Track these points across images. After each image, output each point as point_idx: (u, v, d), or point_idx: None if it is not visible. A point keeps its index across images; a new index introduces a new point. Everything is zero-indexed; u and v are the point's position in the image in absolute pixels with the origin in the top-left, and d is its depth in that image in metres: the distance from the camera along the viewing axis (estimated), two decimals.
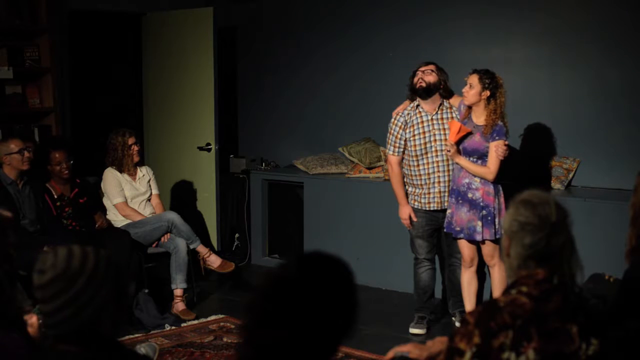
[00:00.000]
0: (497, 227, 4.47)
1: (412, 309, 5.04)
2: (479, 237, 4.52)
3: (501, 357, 2.06)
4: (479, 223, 4.49)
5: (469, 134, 4.52)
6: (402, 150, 4.83)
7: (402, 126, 4.79)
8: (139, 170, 5.61)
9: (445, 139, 4.67)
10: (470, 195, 4.52)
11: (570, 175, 5.45)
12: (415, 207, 4.84)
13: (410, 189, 4.88)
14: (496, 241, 4.53)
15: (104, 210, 5.56)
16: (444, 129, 4.73)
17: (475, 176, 4.51)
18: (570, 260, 2.15)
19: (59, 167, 5.26)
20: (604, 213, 4.93)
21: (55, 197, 5.27)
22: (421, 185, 4.80)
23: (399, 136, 4.81)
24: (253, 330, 1.63)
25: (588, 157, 5.46)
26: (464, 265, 4.70)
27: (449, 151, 4.53)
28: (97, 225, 5.37)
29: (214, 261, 5.53)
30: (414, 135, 4.76)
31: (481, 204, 4.49)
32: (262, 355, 1.62)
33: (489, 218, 4.48)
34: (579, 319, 2.09)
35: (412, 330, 4.91)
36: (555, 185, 5.41)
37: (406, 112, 4.81)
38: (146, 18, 6.91)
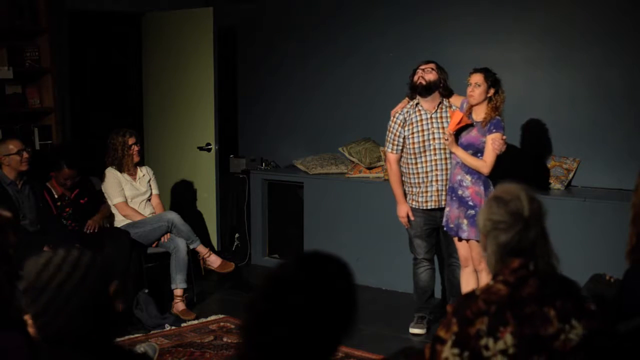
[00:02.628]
0: None
1: (412, 309, 5.04)
2: (464, 235, 4.52)
3: (479, 344, 2.07)
4: (465, 221, 4.49)
5: (468, 126, 4.52)
6: (400, 148, 4.83)
7: (401, 124, 4.80)
8: (139, 170, 5.61)
9: (445, 139, 4.67)
10: (460, 192, 4.52)
11: (570, 175, 5.45)
12: (414, 206, 4.84)
13: (408, 189, 4.88)
14: None
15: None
16: (443, 128, 4.73)
17: (467, 174, 4.50)
18: (544, 250, 2.17)
19: (63, 182, 5.26)
20: (604, 213, 4.93)
21: (56, 197, 5.27)
22: (419, 183, 4.79)
23: (397, 134, 4.81)
24: (252, 330, 1.63)
25: (588, 157, 5.45)
26: (461, 264, 4.69)
27: (446, 140, 4.53)
28: (94, 223, 5.34)
29: (214, 261, 5.53)
30: (412, 133, 4.77)
31: (470, 202, 4.48)
32: (262, 355, 1.62)
33: (476, 218, 4.45)
34: (558, 303, 2.10)
35: (412, 330, 4.91)
36: (555, 185, 5.41)
37: (405, 110, 4.82)
38: (146, 18, 6.91)
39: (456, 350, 2.10)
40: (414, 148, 4.77)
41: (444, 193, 4.72)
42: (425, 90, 4.71)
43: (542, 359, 2.06)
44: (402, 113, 4.82)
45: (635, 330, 2.53)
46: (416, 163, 4.78)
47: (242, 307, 1.68)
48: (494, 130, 4.44)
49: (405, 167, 4.86)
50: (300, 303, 1.60)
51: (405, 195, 4.89)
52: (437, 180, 4.75)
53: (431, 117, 4.76)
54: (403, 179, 4.89)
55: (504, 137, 4.47)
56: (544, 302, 2.09)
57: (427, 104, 4.77)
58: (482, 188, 4.47)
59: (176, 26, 6.66)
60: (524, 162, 5.51)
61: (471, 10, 5.88)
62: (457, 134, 4.55)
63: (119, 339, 4.56)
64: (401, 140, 4.81)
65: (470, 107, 4.56)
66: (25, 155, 4.99)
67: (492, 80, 4.46)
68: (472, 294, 2.18)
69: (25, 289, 1.87)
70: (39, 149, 5.76)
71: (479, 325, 2.08)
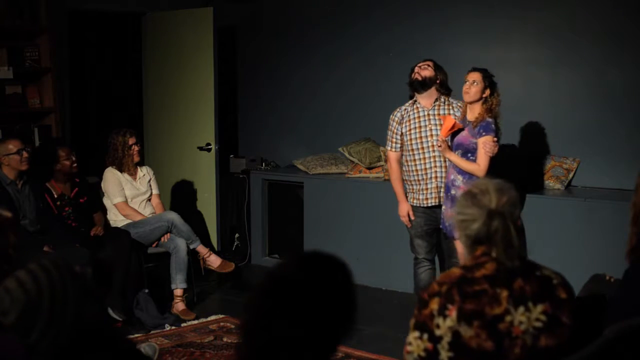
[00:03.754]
0: None
1: (412, 309, 5.03)
2: (456, 235, 4.50)
3: (433, 323, 2.17)
4: None
5: (460, 129, 4.53)
6: (399, 145, 4.84)
7: (399, 121, 4.83)
8: (139, 170, 5.61)
9: (437, 145, 4.67)
10: (453, 191, 4.53)
11: (570, 175, 5.45)
12: (415, 204, 4.84)
13: (408, 187, 4.89)
14: None
15: (104, 210, 5.56)
16: (441, 124, 4.74)
17: (458, 174, 4.50)
18: (506, 237, 2.23)
19: (68, 163, 5.26)
20: (604, 213, 4.93)
21: (56, 196, 5.26)
22: (418, 180, 4.80)
23: (395, 131, 4.84)
24: (252, 330, 1.63)
25: (588, 157, 5.45)
26: (461, 264, 4.70)
27: (439, 146, 4.53)
28: (92, 232, 5.35)
29: (214, 261, 5.53)
30: (410, 130, 4.78)
31: None
32: (262, 355, 1.61)
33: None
34: (515, 284, 2.16)
35: None
36: (555, 185, 5.41)
37: (404, 107, 4.85)
38: (146, 18, 6.91)
39: (417, 334, 2.20)
40: (411, 144, 4.78)
41: (443, 190, 4.73)
42: (421, 85, 4.74)
43: (484, 336, 2.11)
44: (400, 110, 4.85)
45: (635, 331, 2.53)
46: (415, 160, 4.79)
47: (242, 306, 1.68)
48: (483, 133, 4.42)
49: (405, 165, 4.87)
50: (299, 302, 1.61)
51: (406, 194, 4.90)
52: (436, 177, 4.75)
53: (428, 114, 4.77)
54: (404, 177, 4.90)
55: (495, 139, 4.45)
56: (497, 283, 2.17)
57: (424, 100, 4.79)
58: None
59: (176, 26, 6.66)
60: (523, 162, 5.51)
61: (471, 10, 5.88)
62: (451, 138, 4.56)
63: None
64: (399, 137, 4.83)
65: (466, 108, 4.57)
66: (25, 154, 4.99)
67: (490, 82, 4.47)
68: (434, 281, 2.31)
69: (20, 313, 1.84)
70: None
71: (432, 305, 2.18)
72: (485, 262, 2.21)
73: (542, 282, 2.19)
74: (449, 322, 2.14)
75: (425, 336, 2.16)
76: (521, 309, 2.14)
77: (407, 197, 4.90)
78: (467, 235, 2.27)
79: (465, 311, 2.13)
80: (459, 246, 4.60)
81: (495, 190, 2.26)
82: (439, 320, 2.15)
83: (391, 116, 4.88)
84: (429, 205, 4.79)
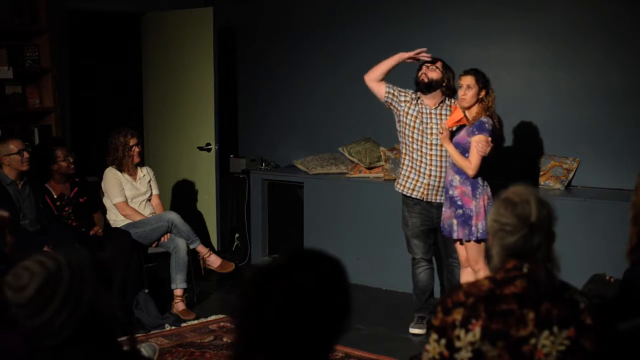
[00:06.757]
0: (473, 229, 4.43)
1: (412, 309, 5.04)
2: (455, 236, 4.51)
3: (454, 333, 2.12)
4: (455, 222, 4.48)
5: (463, 126, 4.52)
6: (391, 87, 4.77)
7: (407, 100, 4.76)
8: (139, 170, 5.61)
9: (439, 132, 4.66)
10: (450, 192, 4.52)
11: (570, 175, 5.45)
12: (398, 189, 4.83)
13: (398, 171, 4.87)
14: (480, 246, 4.48)
15: (103, 210, 5.56)
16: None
17: (456, 174, 4.50)
18: (545, 255, 2.17)
19: (65, 163, 5.27)
20: (604, 213, 4.93)
21: (55, 197, 5.26)
22: (411, 168, 4.78)
23: (398, 94, 4.77)
24: (242, 317, 1.62)
25: (588, 157, 5.45)
26: (461, 264, 4.69)
27: (441, 133, 4.52)
28: (92, 232, 5.35)
29: (214, 261, 5.53)
30: (411, 125, 4.75)
31: (458, 202, 4.47)
32: (256, 352, 1.60)
33: (463, 218, 4.45)
34: (543, 307, 2.09)
35: (412, 330, 4.91)
36: (555, 185, 5.41)
37: (411, 98, 4.78)
38: (146, 18, 6.91)
39: (435, 336, 2.16)
40: (409, 137, 4.76)
41: (435, 189, 4.72)
42: (426, 88, 4.73)
43: (507, 358, 2.06)
44: (413, 95, 4.78)
45: (636, 331, 2.53)
46: (413, 150, 4.77)
47: (234, 301, 1.68)
48: (476, 133, 4.41)
49: (402, 151, 4.85)
50: (284, 287, 1.59)
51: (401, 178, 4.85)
52: (430, 175, 4.74)
53: (431, 113, 4.76)
54: (401, 162, 4.87)
55: (489, 138, 4.42)
56: (526, 304, 2.09)
57: (427, 101, 4.78)
58: (469, 188, 4.45)
59: (176, 26, 6.66)
60: (523, 162, 5.51)
61: (471, 10, 5.87)
62: (454, 134, 4.56)
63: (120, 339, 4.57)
64: (396, 96, 4.76)
65: (464, 110, 4.57)
66: (26, 155, 4.98)
67: (483, 82, 4.45)
68: (458, 286, 2.24)
69: (38, 287, 1.82)
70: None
71: (456, 315, 2.13)
72: (515, 278, 2.13)
73: (569, 306, 2.11)
74: (470, 337, 2.09)
75: (443, 342, 2.13)
76: (546, 332, 2.07)
77: (398, 179, 4.86)
78: (502, 246, 2.17)
79: (490, 330, 2.08)
80: (461, 249, 4.61)
81: (536, 201, 2.19)
82: (461, 333, 2.10)
83: (405, 90, 4.80)
84: (413, 196, 4.77)
